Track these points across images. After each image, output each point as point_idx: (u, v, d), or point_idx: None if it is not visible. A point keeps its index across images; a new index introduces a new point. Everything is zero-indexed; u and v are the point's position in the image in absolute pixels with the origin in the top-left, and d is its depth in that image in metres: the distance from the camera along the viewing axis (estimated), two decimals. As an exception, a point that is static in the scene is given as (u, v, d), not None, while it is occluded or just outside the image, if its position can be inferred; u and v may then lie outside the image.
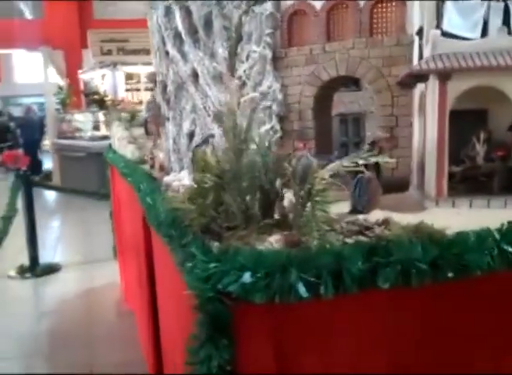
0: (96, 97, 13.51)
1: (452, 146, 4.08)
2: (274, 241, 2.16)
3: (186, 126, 6.91)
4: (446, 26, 4.09)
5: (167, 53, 7.20)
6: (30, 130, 14.85)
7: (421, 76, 4.03)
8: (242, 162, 2.23)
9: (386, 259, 2.12)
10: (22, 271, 6.68)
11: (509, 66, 3.65)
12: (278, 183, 2.37)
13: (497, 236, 2.35)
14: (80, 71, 16.59)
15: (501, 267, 2.29)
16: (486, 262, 2.26)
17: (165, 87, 7.55)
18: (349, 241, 2.29)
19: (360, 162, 2.24)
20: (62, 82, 15.34)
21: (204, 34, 5.99)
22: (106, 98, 13.36)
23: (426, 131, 3.96)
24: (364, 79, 4.69)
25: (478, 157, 4.03)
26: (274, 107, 5.01)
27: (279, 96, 5.01)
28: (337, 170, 2.27)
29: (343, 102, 6.66)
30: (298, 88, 5.03)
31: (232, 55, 5.33)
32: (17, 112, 22.04)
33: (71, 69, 17.52)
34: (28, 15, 23.05)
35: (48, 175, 13.59)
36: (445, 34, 4.06)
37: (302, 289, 1.99)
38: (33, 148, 14.70)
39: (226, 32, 5.31)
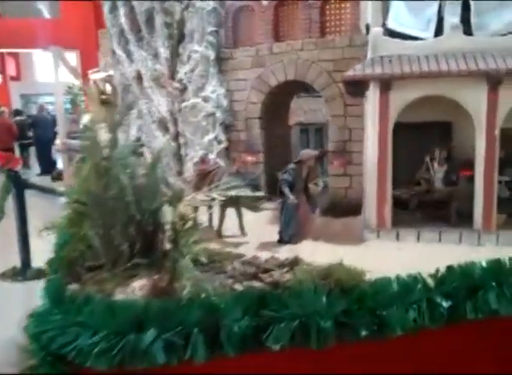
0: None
1: (411, 165, 3.68)
2: (138, 288, 1.80)
3: (133, 133, 6.56)
4: (393, 23, 3.62)
5: (114, 52, 6.87)
6: (43, 129, 15.05)
7: (361, 84, 3.59)
8: (105, 185, 1.87)
9: (279, 314, 1.76)
10: (14, 274, 6.53)
11: (462, 72, 3.15)
12: (160, 212, 2.01)
13: (430, 284, 2.01)
14: (89, 71, 16.64)
15: (432, 325, 1.94)
16: (411, 319, 1.91)
17: (115, 89, 7.21)
18: (238, 287, 1.92)
19: (216, 196, 1.89)
20: (77, 82, 15.36)
21: (146, 32, 5.59)
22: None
23: (366, 149, 3.54)
24: (315, 84, 4.30)
25: (436, 179, 3.59)
26: (218, 114, 4.63)
27: (224, 102, 4.63)
28: (195, 204, 1.91)
29: (303, 110, 6.25)
30: (245, 94, 4.65)
31: (174, 55, 4.96)
32: (33, 110, 22.14)
33: (86, 70, 17.50)
34: (46, 14, 23.31)
35: (60, 174, 13.68)
36: (392, 33, 3.58)
37: (160, 354, 1.63)
38: (46, 146, 14.83)
39: (168, 29, 4.94)
